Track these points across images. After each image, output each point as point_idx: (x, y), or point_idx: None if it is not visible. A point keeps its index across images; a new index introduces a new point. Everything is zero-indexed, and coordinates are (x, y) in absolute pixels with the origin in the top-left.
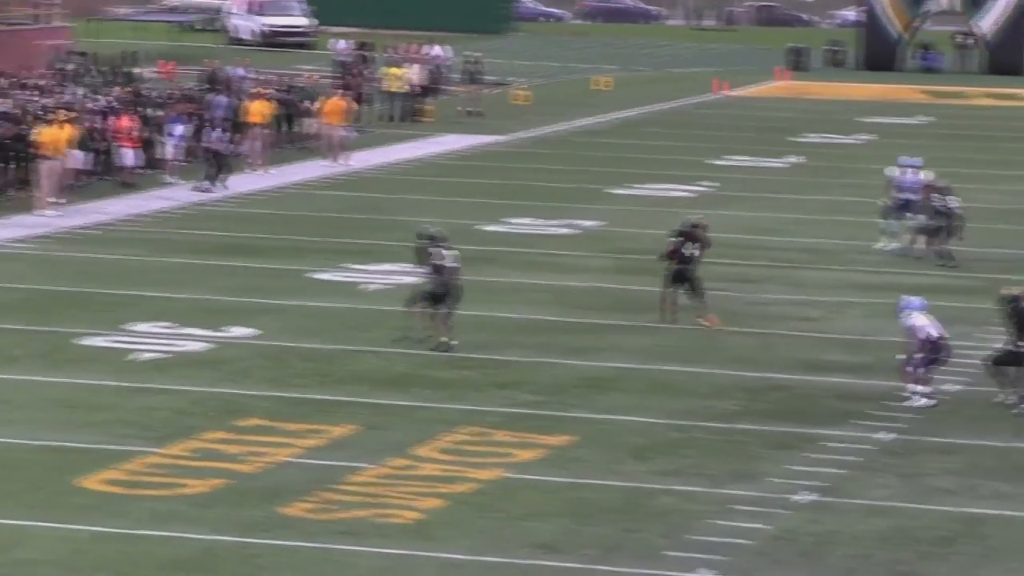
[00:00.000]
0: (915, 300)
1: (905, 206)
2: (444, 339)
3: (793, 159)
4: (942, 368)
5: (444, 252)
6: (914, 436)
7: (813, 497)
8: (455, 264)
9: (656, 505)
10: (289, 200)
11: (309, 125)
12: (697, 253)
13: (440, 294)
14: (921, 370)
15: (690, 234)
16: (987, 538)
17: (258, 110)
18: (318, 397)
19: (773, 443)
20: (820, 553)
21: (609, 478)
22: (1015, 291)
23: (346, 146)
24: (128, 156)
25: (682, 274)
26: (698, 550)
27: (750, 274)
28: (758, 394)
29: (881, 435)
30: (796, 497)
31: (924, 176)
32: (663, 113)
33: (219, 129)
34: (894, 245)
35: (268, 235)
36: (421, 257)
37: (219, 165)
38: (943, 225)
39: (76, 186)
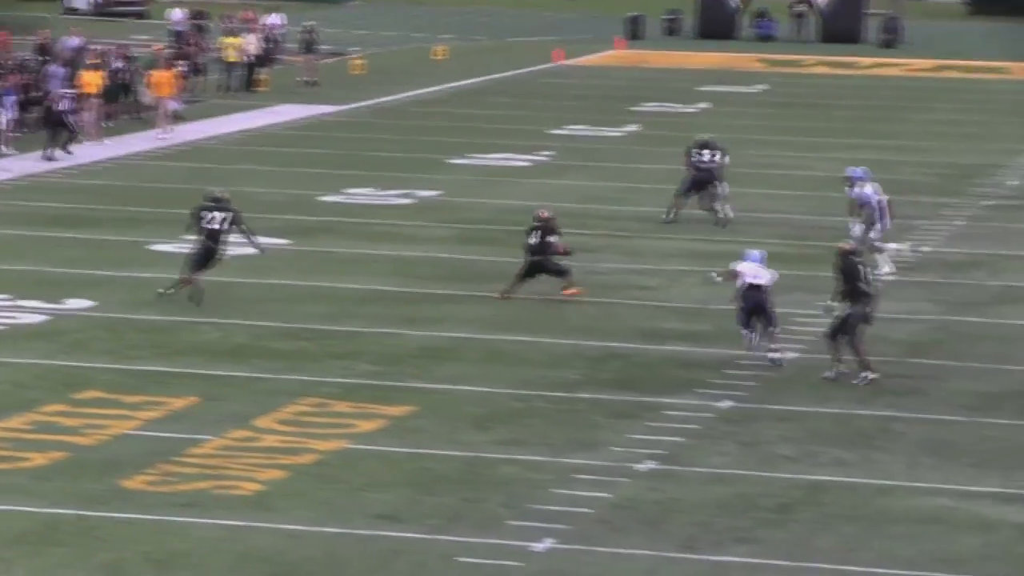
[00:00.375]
0: (755, 252)
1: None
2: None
3: (631, 128)
4: (770, 328)
5: (216, 215)
6: (753, 404)
7: (654, 465)
8: (220, 227)
9: (497, 474)
10: (124, 171)
11: (143, 95)
12: (536, 241)
13: (204, 256)
14: (744, 330)
15: (543, 227)
16: (826, 505)
17: (91, 80)
18: (157, 369)
19: (613, 412)
20: (661, 521)
21: (450, 448)
22: (847, 246)
23: (173, 117)
24: None
25: (539, 266)
26: (540, 519)
27: (588, 243)
28: (598, 363)
29: (721, 403)
30: (637, 465)
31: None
32: (501, 82)
33: (68, 98)
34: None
35: (104, 206)
36: (192, 220)
37: (70, 133)
38: (709, 182)
39: None
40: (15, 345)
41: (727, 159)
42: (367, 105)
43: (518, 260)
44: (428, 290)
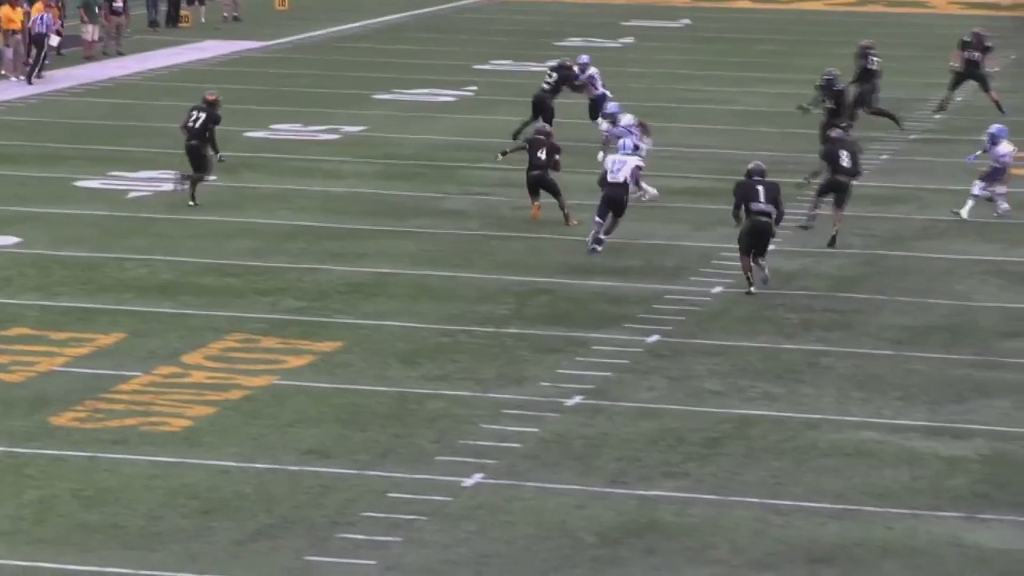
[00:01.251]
0: (628, 144)
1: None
2: None
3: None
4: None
5: (199, 115)
6: (681, 338)
7: (582, 400)
8: (195, 126)
9: (426, 410)
10: (47, 108)
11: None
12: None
13: (192, 155)
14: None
15: (536, 142)
16: (754, 439)
17: (12, 17)
18: (84, 305)
19: (542, 347)
20: (590, 455)
21: (378, 383)
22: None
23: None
24: None
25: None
26: (469, 454)
27: (514, 179)
28: (526, 298)
29: (649, 338)
30: (565, 400)
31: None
32: (425, 17)
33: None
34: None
35: (27, 143)
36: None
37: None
38: None
39: None
40: None
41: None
42: (291, 41)
43: (442, 195)
44: (354, 225)
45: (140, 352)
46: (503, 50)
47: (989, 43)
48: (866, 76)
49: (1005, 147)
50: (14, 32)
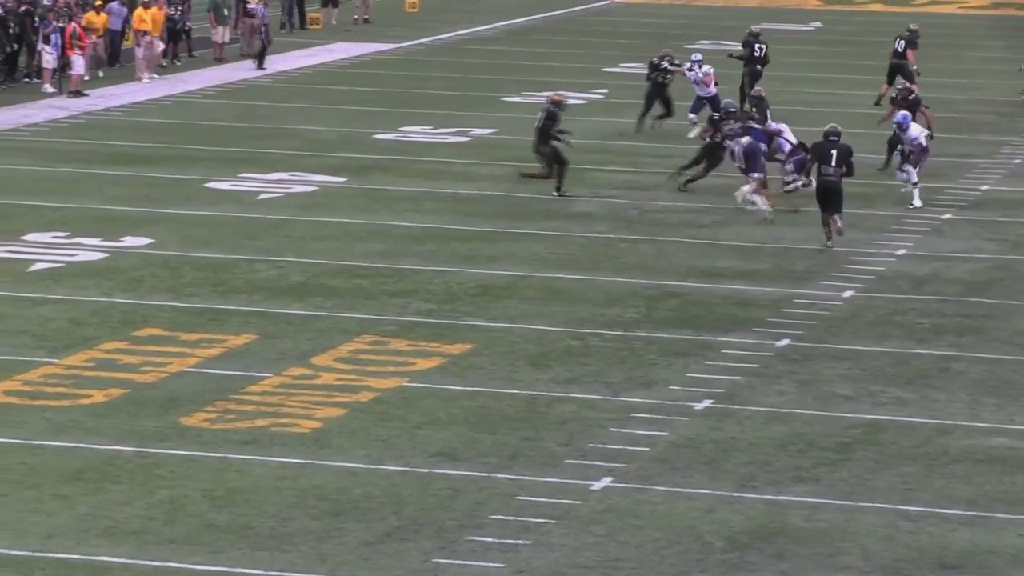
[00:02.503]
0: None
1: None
2: None
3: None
4: None
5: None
6: (811, 343)
7: (711, 404)
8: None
9: (555, 413)
10: (180, 109)
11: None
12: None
13: None
14: None
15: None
16: (884, 444)
17: (146, 17)
18: (214, 307)
19: (671, 351)
20: (719, 460)
21: (507, 386)
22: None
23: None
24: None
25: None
26: (598, 458)
27: (643, 181)
28: (655, 302)
29: (779, 342)
30: (695, 404)
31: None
32: (554, 20)
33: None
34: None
35: (160, 144)
36: None
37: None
38: None
39: None
40: (74, 282)
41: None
42: (421, 43)
43: (571, 198)
44: (484, 228)
45: (270, 353)
46: (633, 52)
47: None
48: None
49: (914, 131)
50: (145, 33)
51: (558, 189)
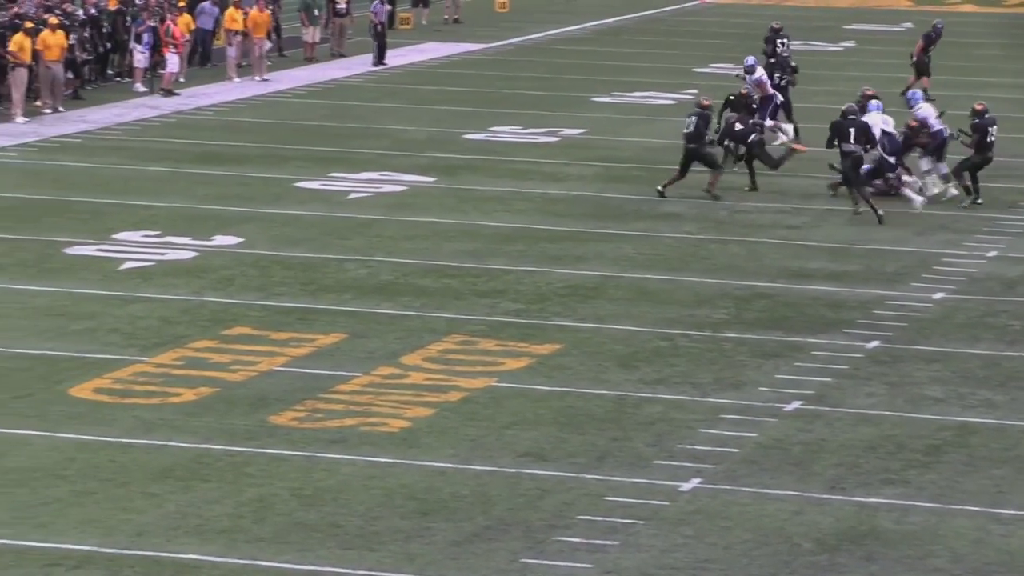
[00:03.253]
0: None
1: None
2: None
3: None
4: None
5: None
6: (901, 344)
7: (801, 405)
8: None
9: (643, 414)
10: (270, 108)
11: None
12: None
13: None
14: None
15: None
16: (974, 446)
17: (237, 17)
18: (304, 306)
19: (760, 352)
20: (808, 461)
21: (596, 387)
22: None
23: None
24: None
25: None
26: (686, 458)
27: (734, 182)
28: (744, 302)
29: (868, 343)
30: (784, 406)
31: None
32: (644, 20)
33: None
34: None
35: (250, 143)
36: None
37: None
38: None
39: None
40: (164, 281)
41: None
42: (511, 43)
43: (660, 198)
44: (573, 228)
45: (359, 353)
46: (723, 53)
47: None
48: None
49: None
50: (236, 32)
51: (664, 187)
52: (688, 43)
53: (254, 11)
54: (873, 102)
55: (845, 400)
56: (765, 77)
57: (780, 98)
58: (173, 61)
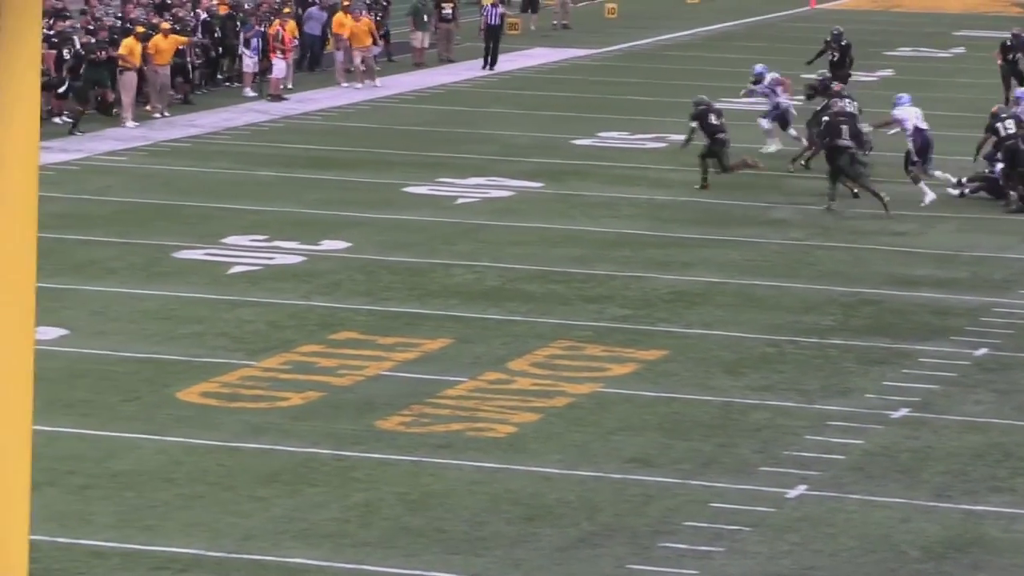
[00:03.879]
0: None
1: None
2: None
3: (885, 73)
4: None
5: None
6: (1010, 352)
7: (908, 412)
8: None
9: (749, 420)
10: (378, 113)
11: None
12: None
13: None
14: None
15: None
16: None
17: (345, 23)
18: (410, 310)
19: (867, 358)
20: (915, 468)
21: (702, 393)
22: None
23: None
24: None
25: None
26: (792, 465)
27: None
28: (851, 309)
29: (976, 351)
30: (891, 413)
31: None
32: (754, 26)
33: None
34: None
35: (359, 148)
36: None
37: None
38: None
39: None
40: (272, 285)
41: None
42: (619, 48)
43: (768, 205)
44: (679, 234)
45: (466, 358)
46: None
47: None
48: None
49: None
50: (343, 37)
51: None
52: (798, 49)
53: (350, 20)
54: (904, 96)
55: (952, 407)
56: (779, 78)
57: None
58: (280, 66)
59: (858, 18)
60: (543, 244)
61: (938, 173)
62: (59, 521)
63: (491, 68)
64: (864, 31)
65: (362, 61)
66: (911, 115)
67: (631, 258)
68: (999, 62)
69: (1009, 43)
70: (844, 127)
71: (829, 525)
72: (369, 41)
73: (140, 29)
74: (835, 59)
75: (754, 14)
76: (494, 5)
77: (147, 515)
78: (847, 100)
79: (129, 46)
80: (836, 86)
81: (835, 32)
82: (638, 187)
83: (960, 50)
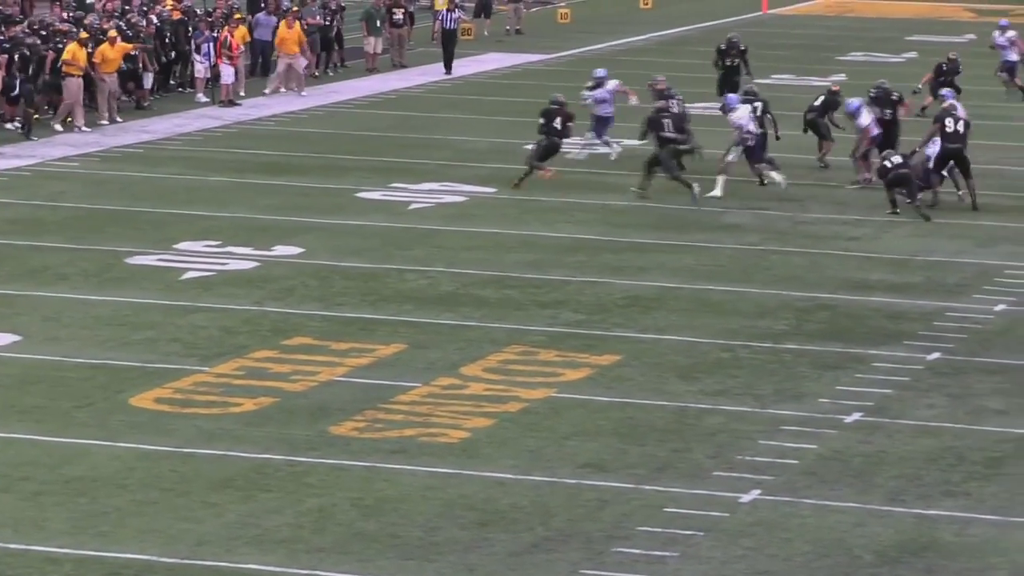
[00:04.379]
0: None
1: None
2: None
3: (837, 78)
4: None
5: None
6: (962, 356)
7: (861, 417)
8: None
9: (704, 425)
10: (331, 119)
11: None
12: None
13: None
14: None
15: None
16: None
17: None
18: (364, 316)
19: (821, 363)
20: (869, 473)
21: (656, 398)
22: None
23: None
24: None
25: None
26: (746, 470)
27: (795, 193)
28: (805, 314)
29: (929, 355)
30: (844, 417)
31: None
32: (706, 31)
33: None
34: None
35: (312, 154)
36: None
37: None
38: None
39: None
40: (225, 291)
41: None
42: (573, 54)
43: (722, 209)
44: (634, 239)
45: (420, 363)
46: (784, 64)
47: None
48: None
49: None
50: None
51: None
52: (750, 53)
53: (282, 26)
54: (732, 96)
55: (906, 412)
56: (618, 85)
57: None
58: (228, 72)
59: (811, 23)
60: (497, 249)
61: (774, 174)
62: (12, 527)
63: (448, 72)
64: (817, 36)
65: (287, 68)
66: (744, 116)
67: (585, 263)
68: (927, 79)
69: (944, 67)
70: (666, 121)
71: (783, 530)
72: (296, 49)
73: (84, 35)
74: (733, 64)
75: (708, 19)
76: (450, 10)
77: (101, 521)
78: (674, 100)
79: (72, 51)
80: (659, 84)
81: (732, 39)
82: (592, 192)
83: (912, 55)
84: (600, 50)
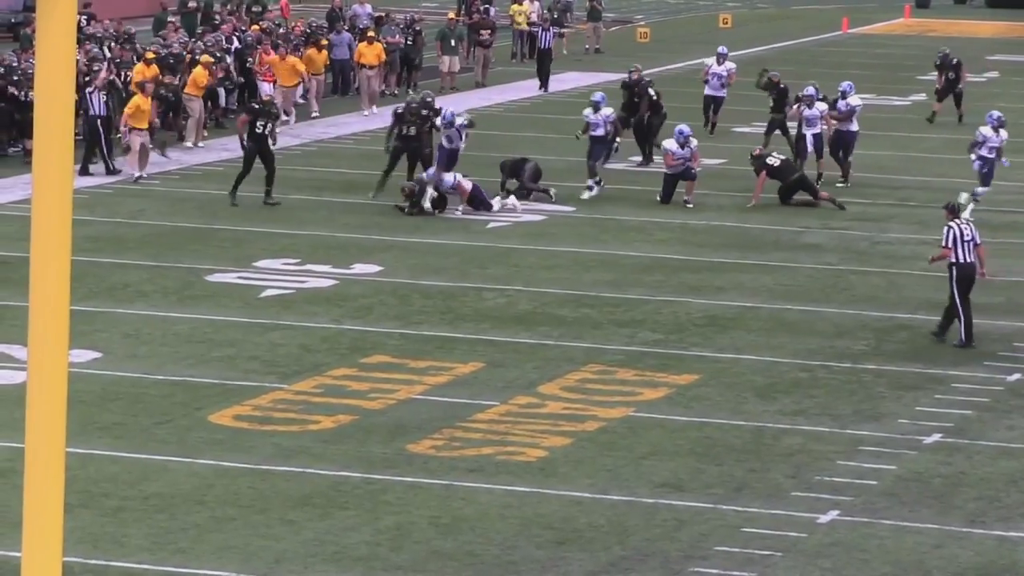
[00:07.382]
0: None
1: None
2: None
3: (917, 97)
4: None
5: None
6: None
7: (941, 438)
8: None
9: (782, 445)
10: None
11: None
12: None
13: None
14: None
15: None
16: None
17: (366, 51)
18: (442, 334)
19: (900, 383)
20: (948, 494)
21: (734, 417)
22: None
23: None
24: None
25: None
26: (825, 491)
27: (874, 213)
28: (884, 334)
29: (1010, 376)
30: (924, 438)
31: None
32: (785, 51)
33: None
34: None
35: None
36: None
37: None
38: None
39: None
40: (304, 309)
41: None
42: (652, 72)
43: (801, 229)
44: (712, 258)
45: (498, 382)
46: (864, 83)
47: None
48: None
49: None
50: (363, 66)
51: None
52: (829, 73)
53: (362, 44)
54: (598, 95)
55: (986, 433)
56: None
57: None
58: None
59: (891, 42)
60: (575, 268)
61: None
62: (92, 543)
63: (544, 90)
64: (897, 55)
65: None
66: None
67: (663, 282)
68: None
69: (937, 63)
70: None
71: (861, 551)
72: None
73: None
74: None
75: (788, 38)
76: (545, 29)
77: (179, 537)
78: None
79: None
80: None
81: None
82: (672, 212)
83: (994, 74)
84: (679, 69)
